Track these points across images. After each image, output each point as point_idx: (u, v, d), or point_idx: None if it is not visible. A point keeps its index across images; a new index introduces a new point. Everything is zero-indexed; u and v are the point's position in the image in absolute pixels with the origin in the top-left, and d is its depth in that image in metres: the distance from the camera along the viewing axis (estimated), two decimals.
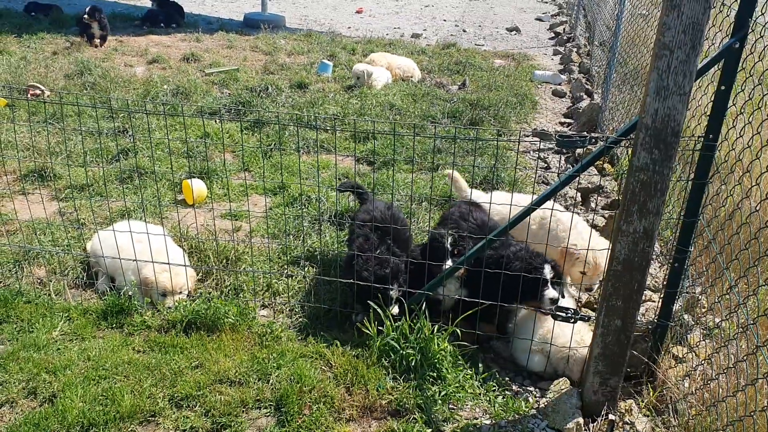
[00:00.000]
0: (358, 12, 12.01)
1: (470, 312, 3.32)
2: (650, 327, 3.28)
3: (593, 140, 3.08)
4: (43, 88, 6.89)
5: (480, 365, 3.30)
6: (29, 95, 6.75)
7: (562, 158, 6.14)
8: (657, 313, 3.23)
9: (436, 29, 11.08)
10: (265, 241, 4.44)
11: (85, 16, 8.81)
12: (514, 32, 11.12)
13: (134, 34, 9.48)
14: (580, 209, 5.09)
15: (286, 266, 4.16)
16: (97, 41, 8.81)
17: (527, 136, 6.62)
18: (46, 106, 6.34)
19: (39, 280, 3.91)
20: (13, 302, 3.63)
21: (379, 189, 5.25)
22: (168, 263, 3.64)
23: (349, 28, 10.82)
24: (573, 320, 3.30)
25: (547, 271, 3.31)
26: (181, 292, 3.73)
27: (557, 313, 3.32)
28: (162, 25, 9.95)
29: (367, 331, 3.34)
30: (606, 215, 4.71)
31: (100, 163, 5.47)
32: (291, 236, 4.47)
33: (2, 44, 8.49)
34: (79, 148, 5.63)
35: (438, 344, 3.23)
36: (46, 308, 3.62)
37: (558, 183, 3.20)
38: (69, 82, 7.26)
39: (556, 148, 6.08)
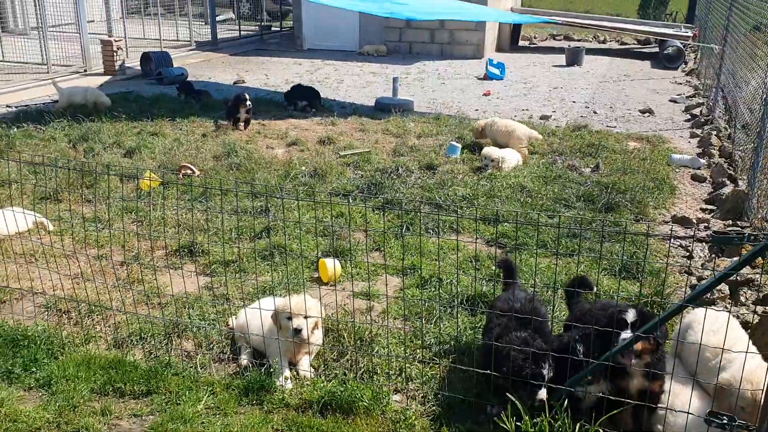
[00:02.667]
0: (485, 94, 12.21)
1: (616, 411, 3.15)
2: None
3: (752, 238, 2.91)
4: (193, 168, 7.42)
5: None
6: (181, 175, 7.29)
7: (706, 247, 5.83)
8: None
9: (565, 111, 11.04)
10: (398, 323, 4.47)
11: (233, 101, 9.51)
12: (647, 114, 10.87)
13: (275, 118, 10.11)
14: (729, 303, 4.76)
15: (418, 350, 4.15)
16: (242, 125, 9.46)
17: (666, 223, 6.35)
18: (195, 186, 6.81)
19: (186, 353, 4.12)
20: (163, 374, 3.83)
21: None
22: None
23: (477, 110, 11.00)
24: (729, 428, 3.05)
25: None
26: (314, 329, 3.80)
27: (711, 418, 3.08)
28: (299, 109, 10.58)
29: (504, 426, 3.24)
30: (760, 311, 4.38)
31: (245, 241, 5.77)
32: (423, 319, 4.47)
33: (158, 127, 9.28)
34: (225, 225, 5.99)
35: None
36: (192, 381, 3.79)
37: (713, 280, 3.03)
38: (217, 163, 7.79)
39: (711, 244, 5.73)
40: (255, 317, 4.00)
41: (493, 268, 5.28)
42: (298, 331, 3.81)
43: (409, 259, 5.38)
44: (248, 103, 9.35)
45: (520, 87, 13.01)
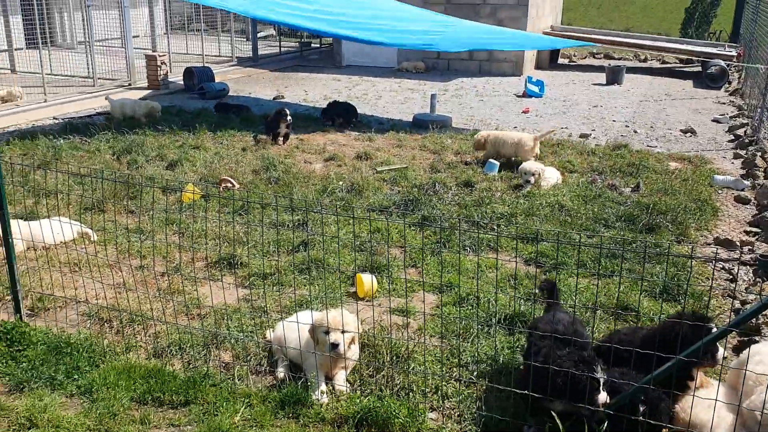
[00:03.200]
0: (524, 112, 12.16)
1: None
2: None
3: None
4: (233, 181, 7.52)
5: None
6: (221, 188, 7.39)
7: (750, 271, 5.69)
8: None
9: (605, 129, 10.93)
10: (434, 340, 4.45)
11: (273, 116, 9.64)
12: (689, 134, 10.69)
13: (313, 133, 10.21)
14: None
15: (455, 368, 4.12)
16: (281, 139, 9.57)
17: (709, 245, 6.22)
18: (234, 199, 6.90)
19: (224, 364, 4.16)
20: (201, 384, 3.87)
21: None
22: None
23: (515, 127, 10.95)
24: None
25: None
26: (351, 344, 3.81)
27: None
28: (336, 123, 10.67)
29: None
30: None
31: (283, 254, 5.81)
32: (460, 338, 4.44)
33: (200, 141, 9.44)
34: (263, 238, 6.05)
35: None
36: (230, 392, 3.82)
37: (759, 305, 2.96)
38: (256, 177, 7.88)
39: (757, 268, 5.59)
40: (292, 330, 4.03)
41: (532, 287, 5.23)
42: (335, 346, 3.82)
43: (445, 276, 5.37)
44: (288, 118, 9.46)
45: (559, 105, 12.93)
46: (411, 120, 11.26)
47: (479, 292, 5.01)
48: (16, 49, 14.57)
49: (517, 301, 4.85)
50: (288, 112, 9.53)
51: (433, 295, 5.18)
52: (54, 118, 10.87)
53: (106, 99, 10.77)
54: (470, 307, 4.89)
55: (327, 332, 3.85)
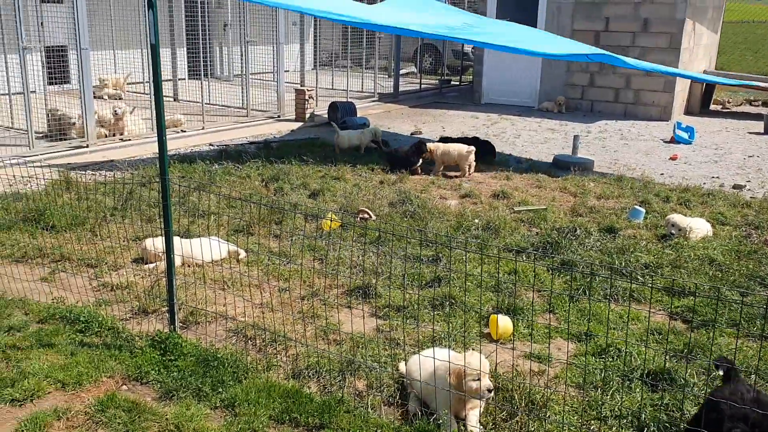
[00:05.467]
0: (672, 158, 11.59)
1: None
2: None
3: None
4: (370, 213, 7.70)
5: None
6: (359, 219, 7.59)
7: None
8: None
9: (762, 181, 10.19)
10: (571, 390, 4.29)
11: (413, 148, 9.92)
12: None
13: (449, 169, 10.26)
14: None
15: (593, 421, 3.95)
16: (418, 169, 9.82)
17: None
18: (370, 230, 7.05)
19: (358, 392, 4.22)
20: (336, 410, 3.95)
21: (698, 351, 4.82)
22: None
23: (662, 174, 10.47)
24: None
25: None
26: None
27: None
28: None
29: None
30: None
31: (415, 288, 5.86)
32: (600, 390, 4.25)
33: (340, 172, 9.76)
34: (397, 270, 6.13)
35: None
36: (363, 421, 3.87)
37: None
38: (392, 210, 8.02)
39: None
40: (424, 366, 4.03)
41: (678, 343, 4.94)
42: (490, 391, 3.82)
43: (584, 324, 5.18)
44: (426, 152, 9.67)
45: (710, 153, 12.23)
46: (551, 161, 11.06)
47: (621, 344, 4.78)
48: (179, 79, 15.83)
49: (660, 356, 4.59)
50: (426, 144, 9.76)
51: (571, 343, 5.00)
52: (210, 145, 11.66)
53: (332, 123, 11.66)
54: (610, 359, 4.68)
55: (478, 379, 3.81)
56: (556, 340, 5.04)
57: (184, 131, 12.35)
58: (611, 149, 12.34)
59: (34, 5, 12.18)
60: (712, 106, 17.83)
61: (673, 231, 7.25)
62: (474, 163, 10.14)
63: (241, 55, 14.02)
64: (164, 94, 4.68)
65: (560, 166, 10.60)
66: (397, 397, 4.16)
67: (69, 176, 8.39)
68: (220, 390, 4.16)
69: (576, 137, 11.03)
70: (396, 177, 9.64)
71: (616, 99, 16.13)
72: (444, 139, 11.29)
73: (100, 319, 4.98)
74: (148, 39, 11.97)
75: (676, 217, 7.39)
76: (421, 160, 9.98)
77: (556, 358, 4.72)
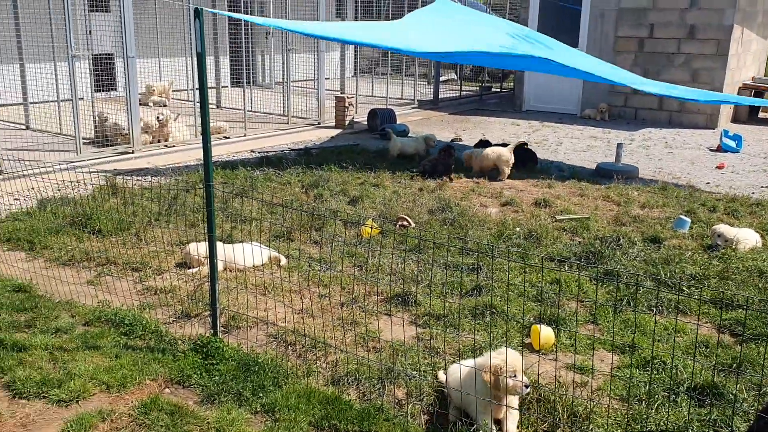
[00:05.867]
0: (718, 167, 11.32)
1: None
2: None
3: None
4: (410, 220, 7.68)
5: None
6: (398, 226, 7.58)
7: None
8: None
9: None
10: (614, 403, 4.20)
11: (442, 155, 10.08)
12: None
13: (490, 177, 10.19)
14: None
15: None
16: (451, 173, 9.96)
17: None
18: (410, 237, 7.03)
19: (397, 401, 4.20)
20: (375, 417, 3.94)
21: (747, 366, 4.68)
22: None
23: (708, 183, 10.23)
24: None
25: None
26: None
27: None
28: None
29: None
30: None
31: (455, 296, 5.82)
32: (644, 403, 4.16)
33: (380, 179, 9.77)
34: (437, 279, 6.09)
35: None
36: (402, 429, 3.85)
37: None
38: (431, 217, 7.99)
39: None
40: (463, 374, 3.99)
41: (725, 357, 4.80)
42: (527, 387, 3.81)
43: (627, 336, 5.08)
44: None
45: (759, 162, 11.91)
46: (594, 169, 10.91)
47: (667, 357, 4.67)
48: (222, 87, 16.07)
49: (708, 370, 4.47)
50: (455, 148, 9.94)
51: (614, 355, 4.91)
52: (251, 151, 11.80)
53: (389, 141, 11.57)
54: (656, 372, 4.57)
55: (514, 375, 3.78)
56: (599, 351, 4.96)
57: (227, 138, 12.52)
58: (655, 157, 12.11)
59: (84, 14, 12.51)
60: (761, 114, 17.38)
61: (719, 242, 7.07)
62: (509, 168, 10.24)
63: (283, 62, 14.16)
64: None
65: (603, 175, 10.44)
66: (437, 407, 4.13)
67: (115, 181, 8.57)
68: (261, 395, 4.18)
69: (619, 145, 10.85)
70: (435, 184, 9.61)
71: (660, 107, 15.84)
72: (482, 143, 11.25)
73: (144, 322, 5.07)
74: (194, 47, 12.16)
75: (723, 228, 7.21)
76: (452, 165, 10.15)
77: (599, 369, 4.64)
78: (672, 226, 7.86)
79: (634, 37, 15.72)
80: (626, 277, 6.18)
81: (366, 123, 14.44)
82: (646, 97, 15.90)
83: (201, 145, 4.63)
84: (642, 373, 4.59)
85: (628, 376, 4.48)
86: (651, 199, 9.04)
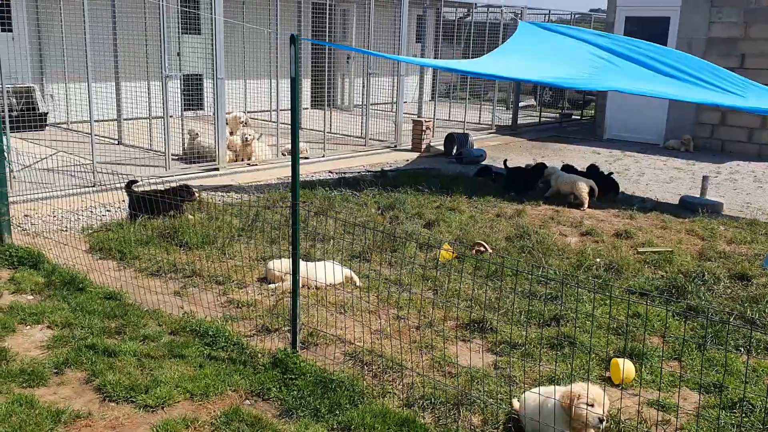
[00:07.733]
0: None
1: None
2: None
3: None
4: (486, 246, 7.64)
5: None
6: (474, 251, 7.55)
7: None
8: None
9: None
10: None
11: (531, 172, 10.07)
12: None
13: (569, 206, 10.04)
14: None
15: None
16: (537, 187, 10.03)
17: None
18: (489, 264, 7.00)
19: (472, 426, 4.17)
20: None
21: None
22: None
23: None
24: None
25: None
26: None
27: None
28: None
29: None
30: None
31: (533, 326, 5.74)
32: None
33: (456, 203, 9.77)
34: (514, 306, 6.03)
35: None
36: None
37: None
38: (509, 244, 7.93)
39: None
40: (536, 402, 3.94)
41: None
42: (601, 421, 3.71)
43: (713, 375, 4.89)
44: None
45: None
46: (677, 201, 10.58)
47: (755, 399, 4.47)
48: (303, 108, 16.47)
49: None
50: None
51: (696, 394, 4.73)
52: (329, 172, 12.02)
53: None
54: (742, 415, 4.38)
55: (592, 405, 3.71)
56: (682, 389, 4.79)
57: (306, 158, 12.81)
58: (743, 191, 11.65)
59: (177, 36, 13.11)
60: None
61: None
62: (589, 197, 10.10)
63: (363, 85, 14.41)
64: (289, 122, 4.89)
65: (687, 208, 10.12)
66: None
67: (201, 197, 8.90)
68: (337, 412, 4.24)
69: (705, 177, 10.51)
70: (513, 211, 9.54)
71: (749, 139, 15.24)
72: (566, 168, 11.11)
73: (227, 334, 5.22)
74: (278, 70, 12.52)
75: None
76: (540, 183, 10.19)
77: (683, 408, 4.48)
78: (761, 263, 7.53)
79: (723, 67, 15.20)
80: (712, 314, 5.96)
81: (442, 147, 14.49)
82: (735, 129, 15.35)
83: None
84: (729, 414, 4.41)
85: (715, 417, 4.31)
86: (738, 234, 8.70)
